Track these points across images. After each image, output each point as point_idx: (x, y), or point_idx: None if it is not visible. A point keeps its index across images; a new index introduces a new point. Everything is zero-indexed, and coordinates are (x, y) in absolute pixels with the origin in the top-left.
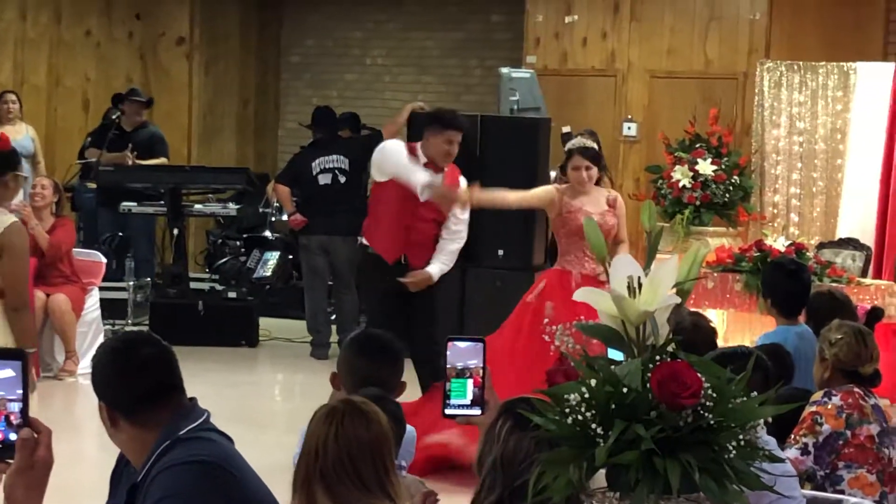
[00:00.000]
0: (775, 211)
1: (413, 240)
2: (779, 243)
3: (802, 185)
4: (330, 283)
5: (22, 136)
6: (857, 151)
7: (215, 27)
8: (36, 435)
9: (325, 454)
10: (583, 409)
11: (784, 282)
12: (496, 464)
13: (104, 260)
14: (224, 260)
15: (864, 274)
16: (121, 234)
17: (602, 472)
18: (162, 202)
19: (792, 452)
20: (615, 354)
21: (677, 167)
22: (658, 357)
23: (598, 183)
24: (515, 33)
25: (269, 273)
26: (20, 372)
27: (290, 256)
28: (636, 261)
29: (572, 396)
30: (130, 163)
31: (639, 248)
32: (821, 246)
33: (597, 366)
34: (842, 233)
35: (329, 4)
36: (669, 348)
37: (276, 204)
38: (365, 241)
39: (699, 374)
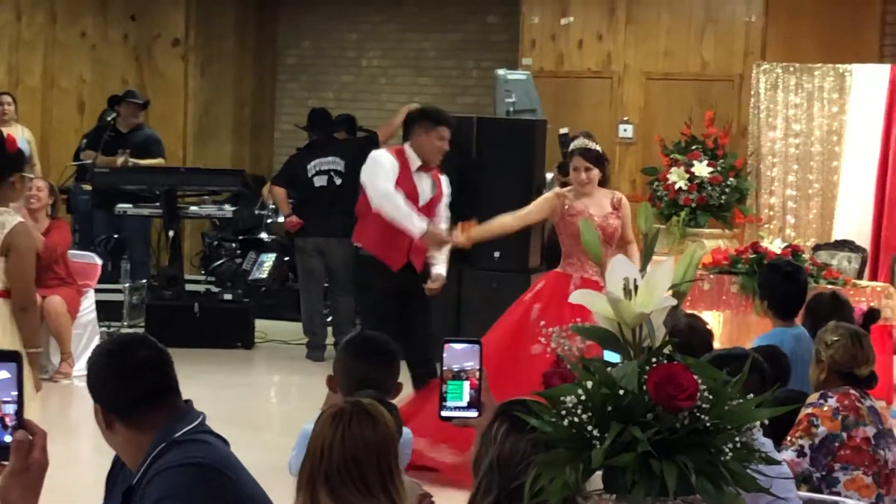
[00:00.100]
0: (771, 213)
1: (415, 244)
2: (775, 245)
3: (798, 187)
4: (326, 284)
5: (17, 138)
6: (852, 153)
7: (211, 28)
8: (31, 437)
9: (331, 456)
10: (579, 412)
11: (781, 284)
12: (492, 466)
13: (100, 262)
14: (220, 262)
15: (860, 276)
16: (116, 235)
17: (598, 474)
18: (157, 204)
19: (788, 454)
20: (611, 357)
21: (673, 169)
22: (654, 359)
23: (601, 184)
24: (511, 35)
25: (264, 275)
26: (15, 374)
27: (286, 258)
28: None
29: (569, 398)
30: (120, 162)
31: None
32: (817, 248)
33: (593, 368)
34: (838, 235)
35: (325, 6)
36: (666, 350)
37: (271, 206)
38: (361, 244)
39: (695, 377)
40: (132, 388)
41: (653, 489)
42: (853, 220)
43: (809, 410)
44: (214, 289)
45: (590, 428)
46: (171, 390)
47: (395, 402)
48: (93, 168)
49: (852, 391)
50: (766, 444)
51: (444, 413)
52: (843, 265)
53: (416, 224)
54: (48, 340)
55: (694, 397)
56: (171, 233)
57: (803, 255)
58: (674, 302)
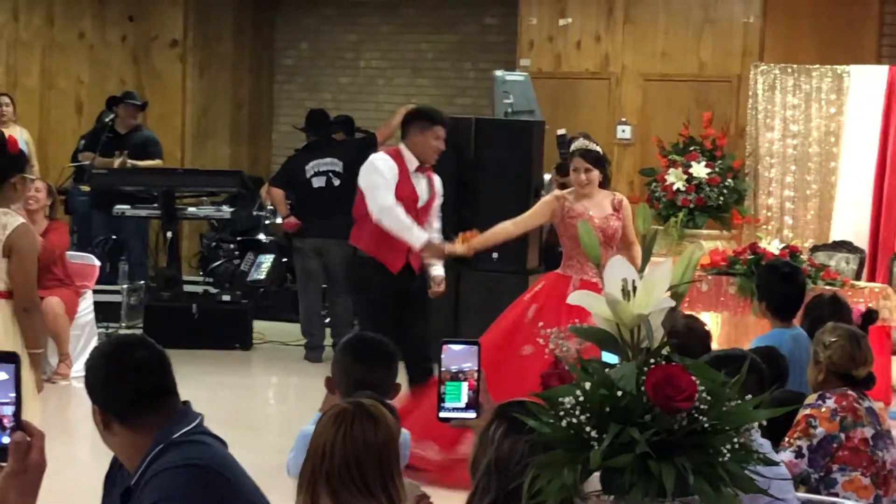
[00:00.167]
0: (769, 214)
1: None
2: (773, 246)
3: (796, 187)
4: (324, 286)
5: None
6: (850, 154)
7: (209, 30)
8: (29, 439)
9: (332, 456)
10: (577, 413)
11: (779, 285)
12: (490, 467)
13: (98, 263)
14: (218, 263)
15: (857, 277)
16: (114, 237)
17: (596, 475)
18: (155, 205)
19: (786, 455)
20: (610, 358)
21: (671, 170)
22: (653, 360)
23: (603, 186)
24: (509, 36)
25: (263, 276)
26: (13, 375)
27: (284, 259)
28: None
29: (567, 399)
30: (119, 163)
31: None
32: (815, 249)
33: (591, 369)
34: (835, 235)
35: (323, 7)
36: (664, 351)
37: (269, 207)
38: (359, 246)
39: (694, 378)
40: (130, 390)
41: (651, 490)
42: (851, 220)
43: (808, 411)
44: (212, 290)
45: (588, 429)
46: (170, 391)
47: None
48: (91, 169)
49: (850, 392)
50: (764, 445)
51: (442, 414)
52: (841, 266)
53: (416, 236)
54: (46, 341)
55: (692, 398)
56: (169, 234)
57: (801, 256)
58: (672, 303)
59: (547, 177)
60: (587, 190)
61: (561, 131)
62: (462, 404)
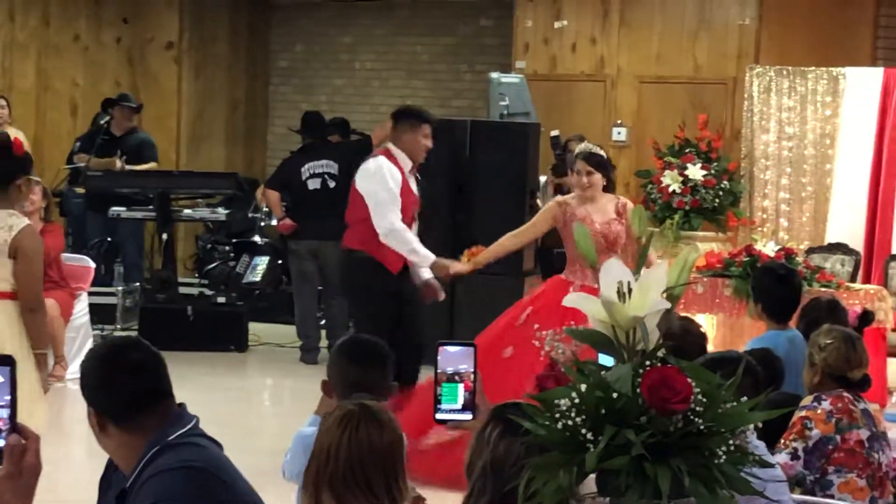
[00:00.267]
0: (765, 216)
1: None
2: (768, 248)
3: (792, 189)
4: (319, 288)
5: None
6: (846, 156)
7: (204, 32)
8: (24, 441)
9: (337, 459)
10: (573, 415)
11: (775, 287)
12: (486, 469)
13: (93, 265)
14: (213, 265)
15: (853, 279)
16: (110, 239)
17: (592, 477)
18: (151, 207)
19: (782, 457)
20: (606, 360)
21: (667, 172)
22: (648, 362)
23: (607, 190)
24: (505, 38)
25: (258, 278)
26: (8, 378)
27: (280, 261)
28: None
29: (563, 401)
30: (119, 167)
31: (628, 252)
32: (810, 251)
33: (587, 371)
34: (831, 237)
35: (318, 9)
36: (659, 353)
37: (265, 209)
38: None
39: (689, 380)
40: (126, 392)
41: (646, 492)
42: (846, 222)
43: (803, 413)
44: (208, 292)
45: (583, 431)
46: (165, 394)
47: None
48: (86, 171)
49: (846, 394)
50: (759, 447)
51: (438, 416)
52: (837, 268)
53: (422, 256)
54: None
55: (688, 400)
56: (164, 236)
57: (797, 258)
58: (668, 305)
59: (543, 179)
60: (589, 193)
61: (554, 132)
62: (458, 406)
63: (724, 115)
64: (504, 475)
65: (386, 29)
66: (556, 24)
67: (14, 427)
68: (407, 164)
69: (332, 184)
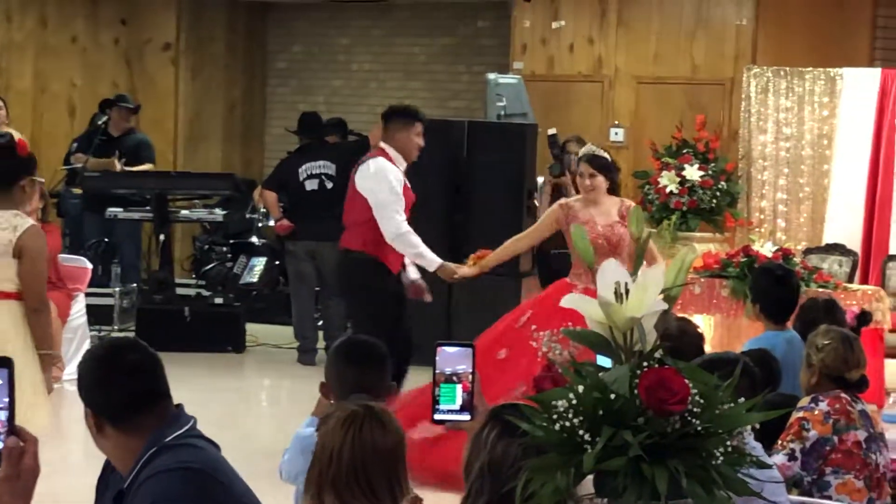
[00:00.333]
0: (762, 216)
1: None
2: (766, 249)
3: (789, 190)
4: (317, 288)
5: None
6: (843, 157)
7: (201, 33)
8: (22, 444)
9: (340, 460)
10: (570, 416)
11: (773, 287)
12: (483, 470)
13: (90, 266)
14: (210, 266)
15: (850, 279)
16: (107, 239)
17: (589, 478)
18: (148, 208)
19: (779, 458)
20: (603, 361)
21: (664, 173)
22: (646, 363)
23: (611, 193)
24: (502, 39)
25: (255, 279)
26: (6, 380)
27: (277, 262)
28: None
29: (560, 403)
30: (119, 168)
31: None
32: (807, 251)
33: (584, 372)
34: (828, 238)
35: (315, 10)
36: (657, 354)
37: (262, 210)
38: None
39: (687, 381)
40: (123, 393)
41: (644, 493)
42: (844, 223)
43: (801, 414)
44: (205, 293)
45: (581, 432)
46: (162, 394)
47: None
48: (83, 172)
49: (843, 395)
50: (756, 449)
51: (436, 416)
52: (834, 269)
53: (429, 259)
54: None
55: (685, 401)
56: (161, 237)
57: (794, 259)
58: (665, 306)
59: (540, 179)
60: (592, 196)
61: (552, 131)
62: (456, 406)
63: (721, 115)
64: (502, 476)
65: (383, 30)
66: (554, 25)
67: (12, 429)
68: (402, 163)
69: (329, 185)
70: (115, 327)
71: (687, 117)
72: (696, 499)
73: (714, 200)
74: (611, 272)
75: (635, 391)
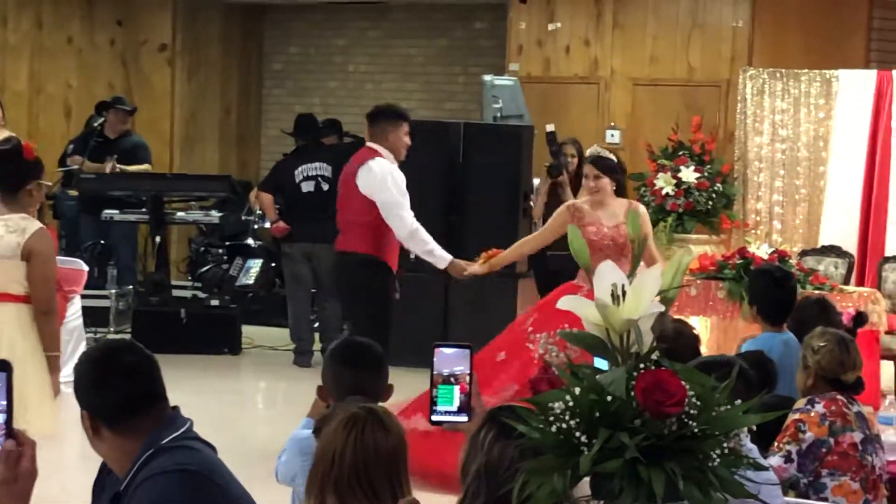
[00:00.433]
0: (758, 218)
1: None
2: (762, 251)
3: (785, 192)
4: (313, 290)
5: None
6: (839, 159)
7: (197, 34)
8: (20, 447)
9: (342, 462)
10: (567, 418)
11: (771, 289)
12: (480, 472)
13: (86, 268)
14: (207, 268)
15: (846, 281)
16: (103, 241)
17: (586, 480)
18: (144, 210)
19: (775, 460)
20: (600, 363)
21: (660, 174)
22: (642, 365)
23: (618, 194)
24: (498, 41)
25: (251, 281)
26: (4, 383)
27: (273, 264)
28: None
29: (556, 405)
30: (108, 169)
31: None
32: (803, 253)
33: (581, 374)
34: (824, 240)
35: (312, 12)
36: (653, 356)
37: (258, 212)
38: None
39: (683, 383)
40: (119, 395)
41: (640, 495)
42: (840, 225)
43: (797, 416)
44: (201, 295)
45: (577, 434)
46: (159, 396)
47: None
48: (79, 174)
49: (839, 397)
50: (752, 451)
51: (434, 417)
52: (830, 271)
53: (438, 255)
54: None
55: (682, 403)
56: (157, 239)
57: (790, 261)
58: (661, 308)
59: (536, 181)
60: (597, 197)
61: (550, 127)
62: (454, 408)
63: (717, 117)
64: (498, 478)
65: (380, 31)
66: (550, 27)
67: (10, 433)
68: (394, 162)
69: (325, 186)
70: (111, 329)
71: (683, 119)
72: (692, 501)
73: (710, 202)
74: (608, 274)
75: (632, 393)
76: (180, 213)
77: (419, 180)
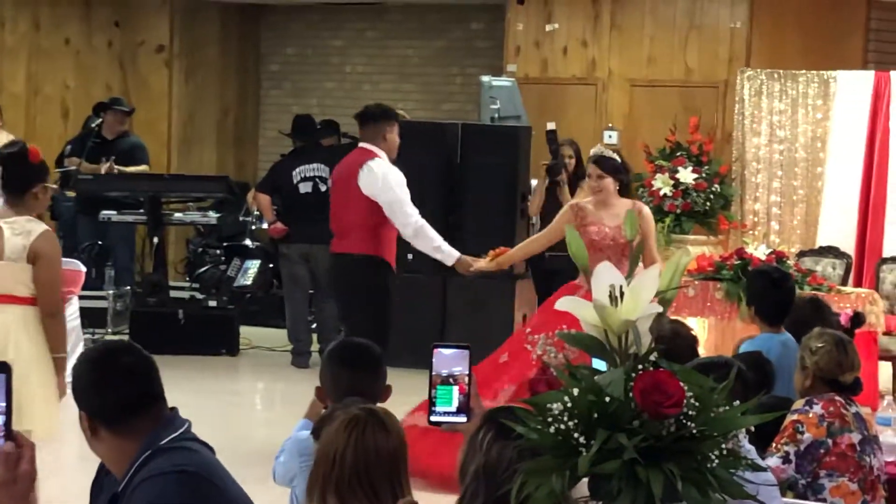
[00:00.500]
0: (756, 219)
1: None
2: (759, 251)
3: (783, 193)
4: (310, 291)
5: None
6: (837, 160)
7: (195, 35)
8: (19, 449)
9: (342, 463)
10: (565, 419)
11: (769, 290)
12: (479, 473)
13: (84, 269)
14: (204, 268)
15: (844, 282)
16: (100, 242)
17: (584, 481)
18: (142, 211)
19: (773, 461)
20: (599, 364)
21: (658, 175)
22: (640, 366)
23: (622, 195)
24: (496, 42)
25: (249, 282)
26: (3, 385)
27: (271, 265)
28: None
29: (555, 406)
30: (105, 169)
31: (644, 257)
32: (801, 254)
33: (579, 375)
34: (822, 241)
35: (309, 13)
36: (652, 357)
37: (256, 212)
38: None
39: (682, 384)
40: (117, 395)
41: (639, 496)
42: (837, 226)
43: (795, 417)
44: (199, 295)
45: (576, 435)
46: (157, 397)
47: None
48: (77, 175)
49: (837, 398)
50: (751, 451)
51: (433, 418)
52: (828, 271)
53: (445, 252)
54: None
55: (680, 404)
56: (155, 239)
57: (788, 262)
58: (659, 309)
59: (534, 182)
60: (600, 197)
61: (550, 126)
62: (453, 408)
63: (715, 118)
64: (497, 479)
65: (377, 32)
66: (548, 28)
67: (9, 434)
68: (387, 158)
69: (323, 187)
70: (109, 330)
71: (680, 120)
72: (690, 502)
73: (708, 203)
74: (605, 275)
75: (630, 394)
76: (178, 214)
77: (417, 181)
